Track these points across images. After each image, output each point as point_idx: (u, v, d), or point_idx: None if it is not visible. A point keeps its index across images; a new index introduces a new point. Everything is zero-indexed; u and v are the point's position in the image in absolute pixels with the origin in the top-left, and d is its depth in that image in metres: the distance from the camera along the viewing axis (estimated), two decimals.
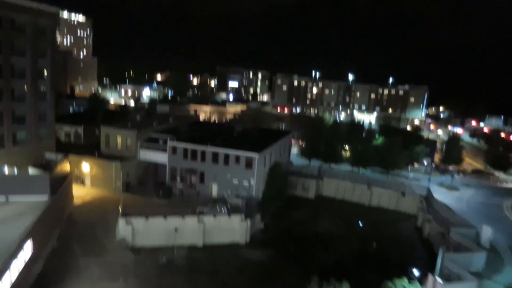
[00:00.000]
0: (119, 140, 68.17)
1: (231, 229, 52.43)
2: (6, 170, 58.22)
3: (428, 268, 40.14)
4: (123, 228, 48.17)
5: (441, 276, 36.05)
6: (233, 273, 44.65)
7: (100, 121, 75.62)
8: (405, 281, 29.93)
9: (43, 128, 64.78)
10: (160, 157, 66.00)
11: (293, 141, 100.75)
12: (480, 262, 46.53)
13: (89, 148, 70.50)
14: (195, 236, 50.78)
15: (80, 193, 61.05)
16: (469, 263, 45.17)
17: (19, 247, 35.48)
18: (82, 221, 52.67)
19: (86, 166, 63.45)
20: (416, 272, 40.55)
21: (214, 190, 63.22)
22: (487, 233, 52.14)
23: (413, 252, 53.82)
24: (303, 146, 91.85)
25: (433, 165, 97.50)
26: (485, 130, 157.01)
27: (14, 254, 34.37)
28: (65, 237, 48.21)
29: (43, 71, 63.87)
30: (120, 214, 49.05)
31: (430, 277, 33.36)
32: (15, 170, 58.68)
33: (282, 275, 44.63)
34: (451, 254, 45.47)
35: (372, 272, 44.47)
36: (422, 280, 37.36)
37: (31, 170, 56.70)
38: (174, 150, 64.55)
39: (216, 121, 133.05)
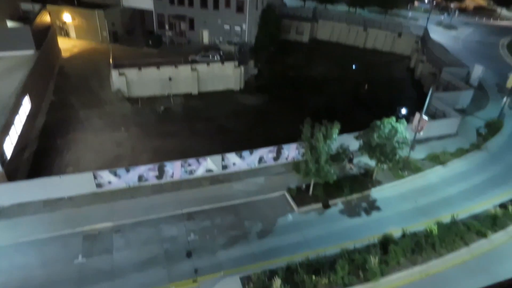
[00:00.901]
0: None
1: (225, 76, 52.59)
2: None
3: (416, 107, 41.82)
4: (116, 79, 48.12)
5: (427, 114, 37.81)
6: (229, 118, 46.57)
7: None
8: (393, 119, 31.41)
9: None
10: (144, 2, 61.56)
11: None
12: (466, 100, 48.47)
13: None
14: (189, 84, 51.23)
15: (67, 45, 59.04)
16: (456, 101, 47.09)
17: (17, 102, 35.98)
18: (74, 74, 52.35)
19: (67, 17, 59.65)
20: (404, 111, 42.41)
21: (205, 37, 61.07)
22: (477, 72, 52.82)
23: (403, 93, 55.37)
24: None
25: (434, 3, 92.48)
26: None
27: (14, 109, 35.08)
28: (60, 90, 48.56)
29: None
30: (112, 65, 48.38)
31: (416, 114, 34.99)
32: None
33: (276, 118, 46.73)
34: (440, 93, 46.98)
35: (362, 113, 46.61)
36: (409, 118, 39.36)
37: (10, 24, 53.41)
38: None
39: None
